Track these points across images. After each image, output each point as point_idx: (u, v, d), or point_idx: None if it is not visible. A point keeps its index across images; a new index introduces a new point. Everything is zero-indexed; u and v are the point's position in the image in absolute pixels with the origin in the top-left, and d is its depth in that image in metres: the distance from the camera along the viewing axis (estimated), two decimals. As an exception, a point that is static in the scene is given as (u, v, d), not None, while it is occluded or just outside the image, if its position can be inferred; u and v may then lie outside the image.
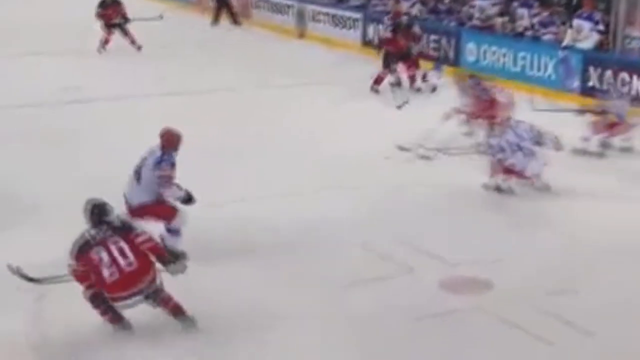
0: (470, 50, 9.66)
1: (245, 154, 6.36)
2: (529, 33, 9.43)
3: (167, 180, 4.36)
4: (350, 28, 11.35)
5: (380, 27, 9.60)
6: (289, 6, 12.90)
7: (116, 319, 3.64)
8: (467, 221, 5.25)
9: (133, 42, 11.15)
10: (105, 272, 3.50)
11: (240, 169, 6.01)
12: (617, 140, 6.74)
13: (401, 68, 8.97)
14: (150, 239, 3.71)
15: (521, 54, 9.02)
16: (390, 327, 3.82)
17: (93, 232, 3.60)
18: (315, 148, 6.57)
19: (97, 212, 3.67)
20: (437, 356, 3.60)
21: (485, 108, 6.78)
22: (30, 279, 3.66)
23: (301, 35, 12.56)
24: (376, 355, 3.61)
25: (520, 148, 5.66)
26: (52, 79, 9.07)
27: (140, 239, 3.63)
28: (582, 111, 7.01)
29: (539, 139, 5.73)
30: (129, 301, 3.57)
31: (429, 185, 5.79)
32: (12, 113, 7.42)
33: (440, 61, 9.66)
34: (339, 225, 5.03)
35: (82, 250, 3.53)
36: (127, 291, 3.53)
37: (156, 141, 4.49)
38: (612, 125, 6.67)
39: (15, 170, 5.78)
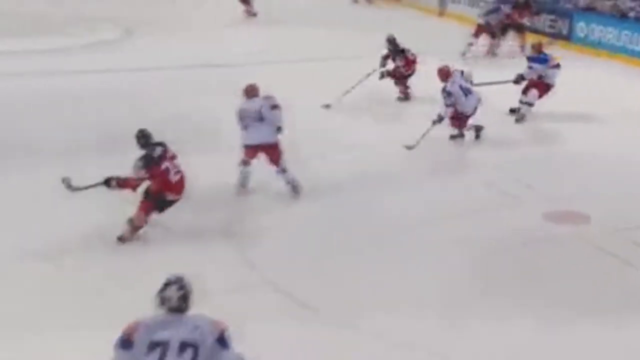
0: (581, 28, 11.49)
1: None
2: (631, 14, 10.83)
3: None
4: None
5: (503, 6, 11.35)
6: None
7: (145, 220, 4.66)
8: (566, 162, 6.30)
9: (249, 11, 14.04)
10: (172, 177, 4.62)
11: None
12: None
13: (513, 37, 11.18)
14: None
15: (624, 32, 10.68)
16: (500, 250, 4.77)
17: (157, 151, 4.61)
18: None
19: (143, 137, 4.66)
20: (539, 274, 4.48)
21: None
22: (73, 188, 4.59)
23: (441, 14, 14.65)
24: (487, 272, 4.55)
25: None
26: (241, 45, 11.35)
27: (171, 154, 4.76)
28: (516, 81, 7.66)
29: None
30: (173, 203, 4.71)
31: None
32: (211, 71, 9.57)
33: (554, 37, 11.58)
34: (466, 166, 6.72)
35: (150, 165, 4.56)
36: (179, 194, 4.72)
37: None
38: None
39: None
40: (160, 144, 4.71)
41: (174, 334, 2.44)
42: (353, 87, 7.84)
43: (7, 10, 13.44)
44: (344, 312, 3.97)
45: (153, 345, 2.43)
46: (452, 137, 6.91)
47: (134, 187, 4.59)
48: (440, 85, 6.79)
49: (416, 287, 4.30)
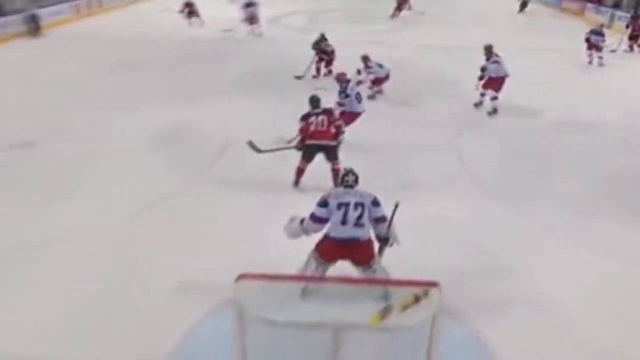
0: None
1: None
2: None
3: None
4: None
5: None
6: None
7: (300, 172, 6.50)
8: None
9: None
10: (312, 127, 6.35)
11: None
12: None
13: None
14: (340, 122, 6.58)
15: None
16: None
17: (311, 111, 6.48)
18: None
19: (312, 100, 6.56)
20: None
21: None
22: (259, 150, 6.89)
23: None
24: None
25: None
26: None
27: (334, 118, 6.54)
28: None
29: None
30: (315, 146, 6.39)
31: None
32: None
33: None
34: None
35: (305, 117, 6.45)
36: (317, 140, 6.36)
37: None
38: None
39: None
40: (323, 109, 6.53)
41: (351, 198, 4.28)
42: None
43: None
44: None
45: (340, 205, 4.25)
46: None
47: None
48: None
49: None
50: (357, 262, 4.31)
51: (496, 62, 9.14)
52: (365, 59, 9.85)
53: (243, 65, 12.53)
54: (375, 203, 4.31)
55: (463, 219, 6.00)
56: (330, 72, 11.11)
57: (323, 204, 4.28)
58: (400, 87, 10.23)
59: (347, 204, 4.23)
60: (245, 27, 15.79)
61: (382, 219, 4.30)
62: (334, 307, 3.91)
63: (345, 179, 4.43)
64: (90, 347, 4.19)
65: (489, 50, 9.34)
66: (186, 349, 4.16)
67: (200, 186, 6.69)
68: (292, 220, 4.47)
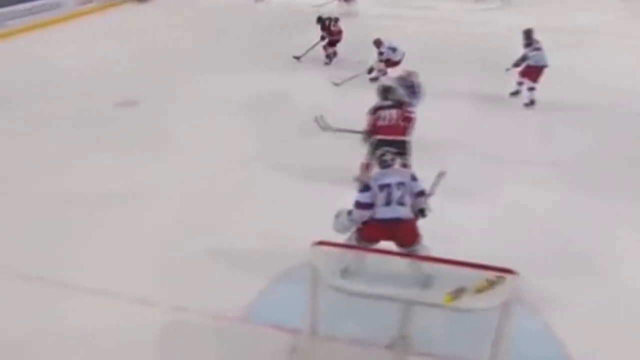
0: None
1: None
2: None
3: None
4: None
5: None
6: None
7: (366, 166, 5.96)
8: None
9: None
10: (380, 122, 5.84)
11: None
12: None
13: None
14: (411, 114, 5.95)
15: None
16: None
17: (380, 103, 6.01)
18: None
19: (383, 91, 6.11)
20: None
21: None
22: (324, 128, 6.69)
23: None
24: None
25: None
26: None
27: (407, 110, 5.96)
28: None
29: None
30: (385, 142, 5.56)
31: None
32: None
33: None
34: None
35: (373, 110, 5.94)
36: (386, 136, 5.74)
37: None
38: None
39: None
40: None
41: (392, 179, 4.25)
42: None
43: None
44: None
45: (382, 187, 4.21)
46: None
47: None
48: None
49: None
50: (401, 241, 4.27)
51: (537, 49, 8.40)
52: (377, 43, 9.39)
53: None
54: (414, 178, 4.34)
55: (544, 209, 5.82)
56: (335, 53, 10.72)
57: (365, 188, 4.25)
58: (493, 68, 9.89)
59: (389, 185, 4.20)
60: (338, 4, 15.75)
61: (420, 193, 4.32)
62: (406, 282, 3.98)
63: (383, 159, 4.39)
64: (171, 291, 4.54)
65: (528, 35, 8.55)
66: (261, 305, 4.40)
67: (278, 153, 6.91)
68: (338, 215, 4.41)
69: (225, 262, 4.88)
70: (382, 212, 4.19)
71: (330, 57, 10.70)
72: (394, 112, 5.86)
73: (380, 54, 9.35)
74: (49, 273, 4.71)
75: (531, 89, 8.47)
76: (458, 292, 3.45)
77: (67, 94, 8.89)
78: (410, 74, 6.59)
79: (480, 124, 7.91)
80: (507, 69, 8.63)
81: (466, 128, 7.73)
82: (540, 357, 4.03)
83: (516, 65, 8.53)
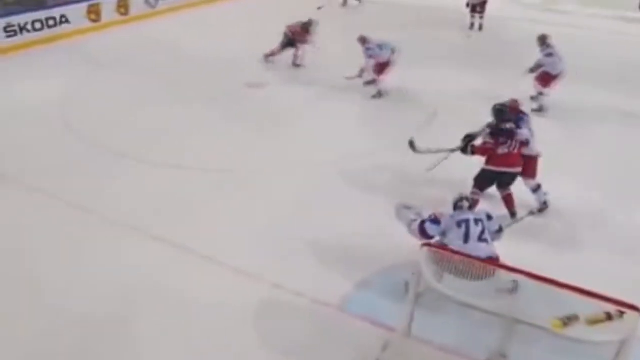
0: None
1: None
2: None
3: None
4: None
5: None
6: None
7: (478, 194, 5.37)
8: None
9: None
10: (500, 150, 5.21)
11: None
12: None
13: None
14: (522, 142, 5.27)
15: None
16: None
17: (502, 125, 5.29)
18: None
19: (499, 112, 5.38)
20: None
21: None
22: (415, 150, 5.79)
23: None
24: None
25: None
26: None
27: (519, 138, 5.26)
28: None
29: None
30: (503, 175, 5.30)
31: None
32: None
33: None
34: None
35: (496, 133, 5.29)
36: (504, 167, 5.24)
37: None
38: None
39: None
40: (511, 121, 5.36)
41: (470, 216, 4.21)
42: None
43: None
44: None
45: (460, 223, 4.16)
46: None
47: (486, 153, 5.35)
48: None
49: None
50: None
51: (550, 54, 7.70)
52: (363, 40, 8.32)
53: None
54: (489, 217, 4.28)
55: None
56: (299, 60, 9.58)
57: (435, 221, 4.24)
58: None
59: (468, 220, 4.15)
60: None
61: (499, 231, 4.29)
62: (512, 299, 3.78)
63: (459, 205, 4.39)
64: (274, 269, 4.69)
65: (543, 41, 7.81)
66: (358, 297, 4.42)
67: (397, 151, 6.79)
68: (408, 209, 4.55)
69: (329, 250, 4.94)
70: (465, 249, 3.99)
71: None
72: (512, 140, 5.23)
73: (368, 50, 8.24)
74: (168, 235, 5.08)
75: (540, 94, 7.90)
76: (569, 319, 3.22)
77: (205, 72, 9.44)
78: (516, 101, 5.81)
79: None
80: (526, 73, 7.99)
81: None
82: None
83: (532, 71, 7.96)
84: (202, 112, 7.81)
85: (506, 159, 5.24)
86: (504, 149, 5.22)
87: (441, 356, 3.87)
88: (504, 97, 5.93)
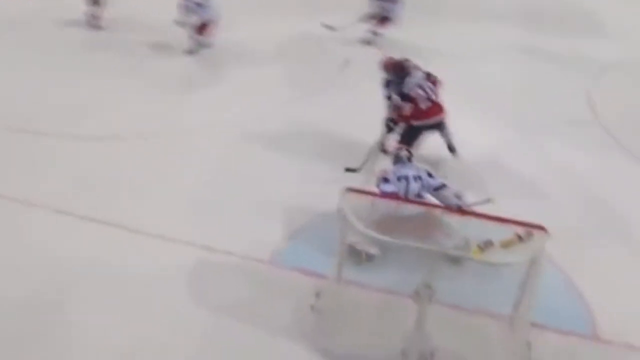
0: None
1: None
2: None
3: None
4: None
5: None
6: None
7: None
8: None
9: None
10: (422, 104, 5.26)
11: None
12: None
13: None
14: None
15: None
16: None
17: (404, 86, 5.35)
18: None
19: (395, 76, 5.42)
20: None
21: None
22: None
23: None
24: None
25: None
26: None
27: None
28: None
29: None
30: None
31: None
32: None
33: None
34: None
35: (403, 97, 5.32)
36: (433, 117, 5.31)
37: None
38: None
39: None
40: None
41: (409, 172, 4.27)
42: None
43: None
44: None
45: (400, 178, 4.23)
46: None
47: None
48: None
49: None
50: None
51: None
52: None
53: None
54: (430, 174, 4.30)
55: (585, 171, 5.71)
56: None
57: (385, 179, 4.27)
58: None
59: (407, 177, 4.22)
60: None
61: (440, 188, 4.24)
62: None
63: (399, 156, 4.43)
64: (203, 231, 4.66)
65: None
66: (289, 250, 4.50)
67: (319, 101, 6.81)
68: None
69: (256, 208, 4.95)
70: None
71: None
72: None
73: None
74: (93, 213, 4.85)
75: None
76: (486, 245, 3.45)
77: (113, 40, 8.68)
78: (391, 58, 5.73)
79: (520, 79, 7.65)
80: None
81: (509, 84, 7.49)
82: (562, 311, 4.05)
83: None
84: (112, 82, 7.31)
85: (432, 109, 5.32)
86: (426, 102, 5.30)
87: (372, 296, 4.06)
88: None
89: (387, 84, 5.52)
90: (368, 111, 5.75)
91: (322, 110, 6.53)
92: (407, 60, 5.61)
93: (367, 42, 8.36)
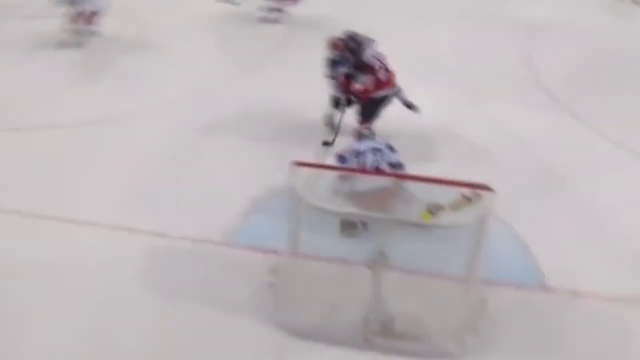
0: None
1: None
2: None
3: None
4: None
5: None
6: None
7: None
8: None
9: None
10: (380, 74, 5.23)
11: None
12: None
13: None
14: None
15: None
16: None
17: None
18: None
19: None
20: None
21: None
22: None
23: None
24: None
25: None
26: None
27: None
28: None
29: None
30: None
31: None
32: None
33: None
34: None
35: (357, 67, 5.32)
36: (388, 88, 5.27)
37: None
38: None
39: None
40: None
41: (366, 146, 4.23)
42: None
43: None
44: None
45: (357, 154, 4.19)
46: None
47: None
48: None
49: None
50: None
51: None
52: None
53: None
54: (390, 147, 4.29)
55: (526, 130, 5.86)
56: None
57: (341, 158, 4.28)
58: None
59: (364, 152, 4.22)
60: None
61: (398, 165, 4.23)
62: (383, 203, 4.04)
63: (361, 133, 4.50)
64: (153, 218, 4.54)
65: None
66: (242, 229, 4.45)
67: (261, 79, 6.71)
68: None
69: (204, 189, 4.85)
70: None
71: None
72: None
73: None
74: (26, 204, 4.64)
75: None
76: (436, 209, 3.50)
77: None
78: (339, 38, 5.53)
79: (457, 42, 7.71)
80: None
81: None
82: (513, 266, 4.20)
83: None
84: (33, 67, 6.94)
85: (390, 78, 5.33)
86: (384, 72, 5.28)
87: (329, 268, 4.07)
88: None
89: (333, 63, 5.42)
90: (299, 86, 5.82)
91: (258, 89, 6.44)
92: (355, 33, 5.50)
93: (273, 20, 8.11)
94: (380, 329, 3.67)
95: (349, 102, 5.45)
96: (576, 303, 3.99)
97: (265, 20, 8.19)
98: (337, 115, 5.53)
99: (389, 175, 4.00)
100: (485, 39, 7.78)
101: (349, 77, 5.36)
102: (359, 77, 5.27)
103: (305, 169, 3.71)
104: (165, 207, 4.66)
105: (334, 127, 5.56)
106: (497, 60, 7.24)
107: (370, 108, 5.30)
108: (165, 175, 5.03)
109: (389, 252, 3.60)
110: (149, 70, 6.92)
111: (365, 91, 5.30)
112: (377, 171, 4.09)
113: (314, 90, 5.66)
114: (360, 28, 5.58)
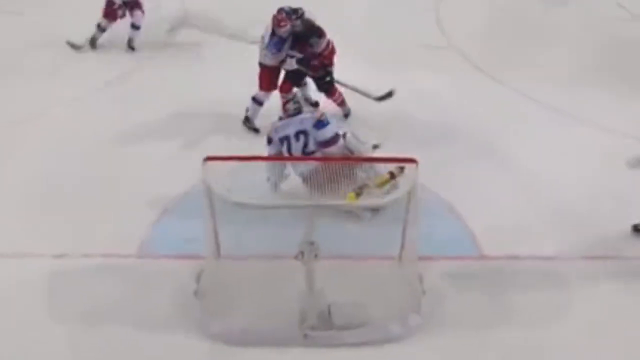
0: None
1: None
2: None
3: None
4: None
5: None
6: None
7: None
8: None
9: None
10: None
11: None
12: None
13: None
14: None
15: None
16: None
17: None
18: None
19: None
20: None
21: None
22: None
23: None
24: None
25: None
26: None
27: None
28: None
29: None
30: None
31: None
32: None
33: None
34: None
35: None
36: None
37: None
38: None
39: None
40: None
41: (291, 129, 4.02)
42: None
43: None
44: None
45: (282, 140, 4.03)
46: None
47: None
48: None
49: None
50: None
51: None
52: None
53: None
54: (318, 124, 4.07)
55: (439, 91, 5.80)
56: None
57: (269, 140, 4.15)
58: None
59: (288, 137, 4.04)
60: None
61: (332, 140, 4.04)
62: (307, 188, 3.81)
63: (286, 108, 4.28)
64: (51, 240, 4.08)
65: None
66: (156, 237, 4.09)
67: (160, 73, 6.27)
68: None
69: (106, 204, 4.39)
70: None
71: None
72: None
73: None
74: None
75: None
76: (361, 189, 3.32)
77: None
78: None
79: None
80: None
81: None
82: (447, 238, 4.08)
83: None
84: None
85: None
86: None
87: (257, 265, 3.80)
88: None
89: (281, 40, 5.09)
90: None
91: (154, 83, 6.02)
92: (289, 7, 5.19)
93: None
94: (318, 323, 3.45)
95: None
96: (514, 267, 3.93)
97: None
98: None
99: (312, 159, 3.76)
100: (396, 13, 7.60)
101: (304, 46, 5.11)
102: (313, 40, 5.05)
103: (219, 164, 3.41)
104: (65, 225, 4.19)
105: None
106: (407, 24, 7.11)
107: (299, 75, 5.18)
108: (62, 190, 4.52)
109: (318, 240, 3.38)
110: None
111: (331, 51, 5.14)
112: (302, 157, 3.85)
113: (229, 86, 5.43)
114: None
